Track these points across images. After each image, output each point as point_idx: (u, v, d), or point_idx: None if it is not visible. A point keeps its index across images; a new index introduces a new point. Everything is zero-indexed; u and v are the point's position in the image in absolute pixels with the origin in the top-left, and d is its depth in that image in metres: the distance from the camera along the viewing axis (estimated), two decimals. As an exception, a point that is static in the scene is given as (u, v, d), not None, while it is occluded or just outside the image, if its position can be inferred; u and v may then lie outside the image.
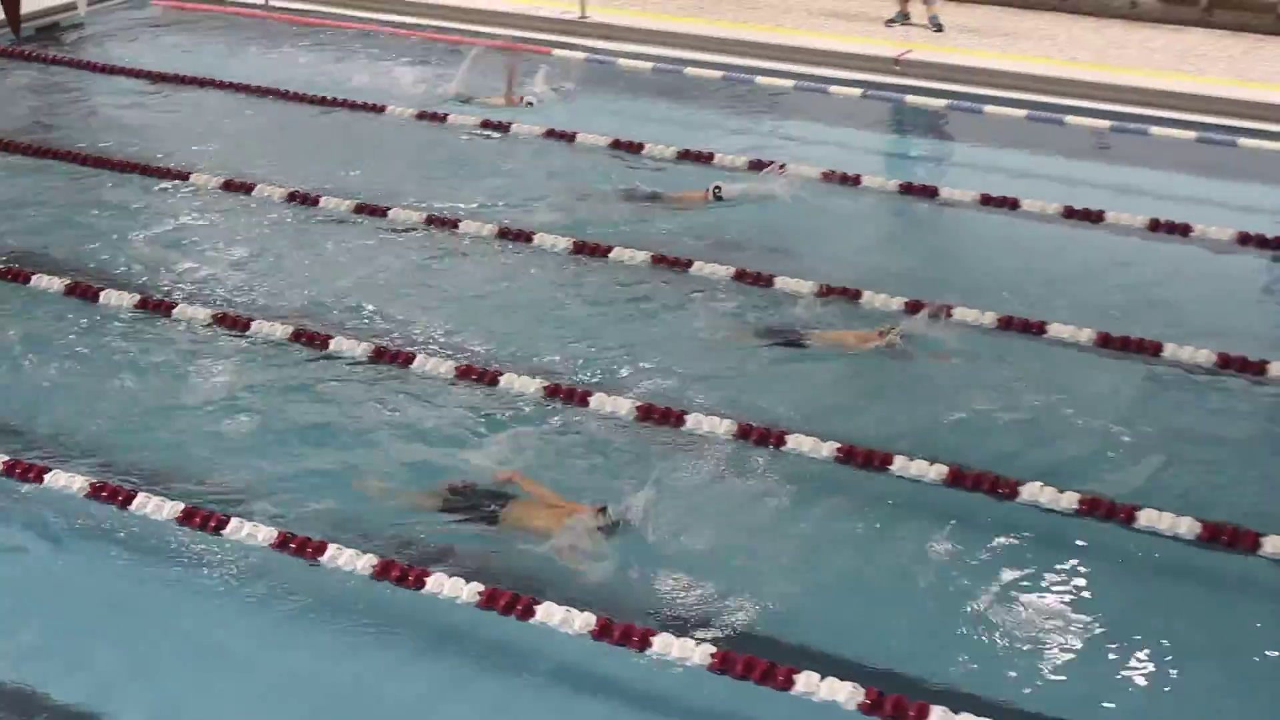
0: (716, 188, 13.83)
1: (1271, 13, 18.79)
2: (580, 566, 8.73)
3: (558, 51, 18.28)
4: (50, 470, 9.44)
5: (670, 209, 13.76)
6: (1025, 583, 8.74)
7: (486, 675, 8.16)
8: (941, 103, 16.84)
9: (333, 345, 11.13)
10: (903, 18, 18.89)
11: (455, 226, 13.25)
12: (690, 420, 10.13)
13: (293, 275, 12.51)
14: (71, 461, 9.66)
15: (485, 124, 15.83)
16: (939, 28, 18.70)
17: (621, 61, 18.10)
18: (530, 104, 16.32)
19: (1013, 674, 8.06)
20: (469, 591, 8.41)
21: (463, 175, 14.70)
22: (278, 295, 12.10)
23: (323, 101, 16.46)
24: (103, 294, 11.80)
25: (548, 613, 8.25)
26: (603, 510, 8.99)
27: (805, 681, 7.70)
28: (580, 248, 12.76)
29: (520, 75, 16.81)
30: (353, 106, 16.34)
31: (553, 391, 10.48)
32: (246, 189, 14.01)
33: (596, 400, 10.36)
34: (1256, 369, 10.81)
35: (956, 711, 7.47)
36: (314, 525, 9.05)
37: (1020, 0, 19.76)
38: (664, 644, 8.01)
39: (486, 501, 9.29)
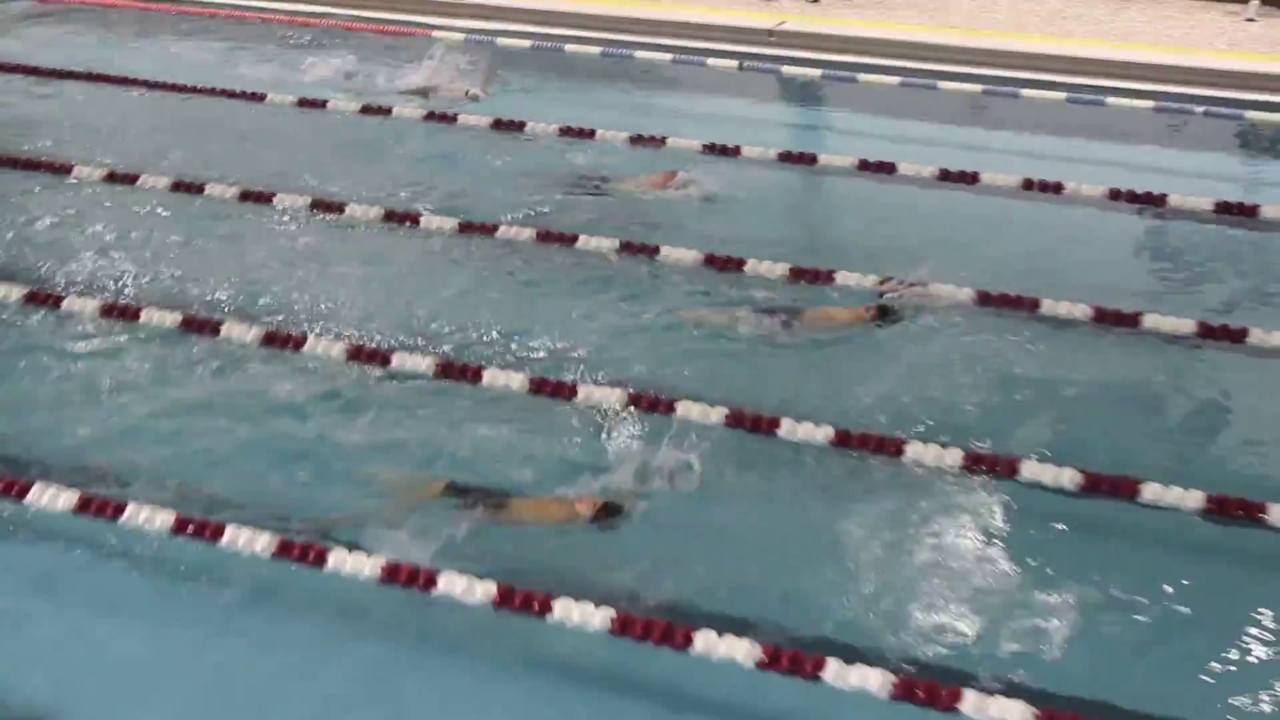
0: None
1: (1135, -26, 19.12)
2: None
3: (438, 33, 18.25)
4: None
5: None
6: (911, 536, 8.84)
7: (506, 674, 7.96)
8: (816, 72, 16.95)
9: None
10: None
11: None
12: (680, 407, 9.94)
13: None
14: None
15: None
16: None
17: (499, 40, 18.09)
18: (475, 97, 16.04)
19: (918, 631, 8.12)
20: (482, 591, 8.11)
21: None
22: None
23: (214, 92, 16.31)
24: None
25: (565, 609, 7.96)
26: (601, 503, 8.90)
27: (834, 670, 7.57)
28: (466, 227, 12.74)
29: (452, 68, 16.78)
30: (240, 96, 16.19)
31: (538, 386, 10.27)
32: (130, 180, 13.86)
33: (584, 391, 10.19)
34: (1131, 321, 10.95)
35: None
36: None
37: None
38: (708, 643, 7.72)
39: (484, 498, 9.05)
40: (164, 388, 10.49)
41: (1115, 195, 13.29)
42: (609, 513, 8.83)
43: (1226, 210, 13.00)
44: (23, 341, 11.08)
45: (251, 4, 19.78)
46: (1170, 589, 8.45)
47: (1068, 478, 9.06)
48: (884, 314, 11.25)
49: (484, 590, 8.01)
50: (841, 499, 9.21)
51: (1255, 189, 13.73)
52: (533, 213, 13.02)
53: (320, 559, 8.28)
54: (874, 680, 7.38)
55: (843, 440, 9.48)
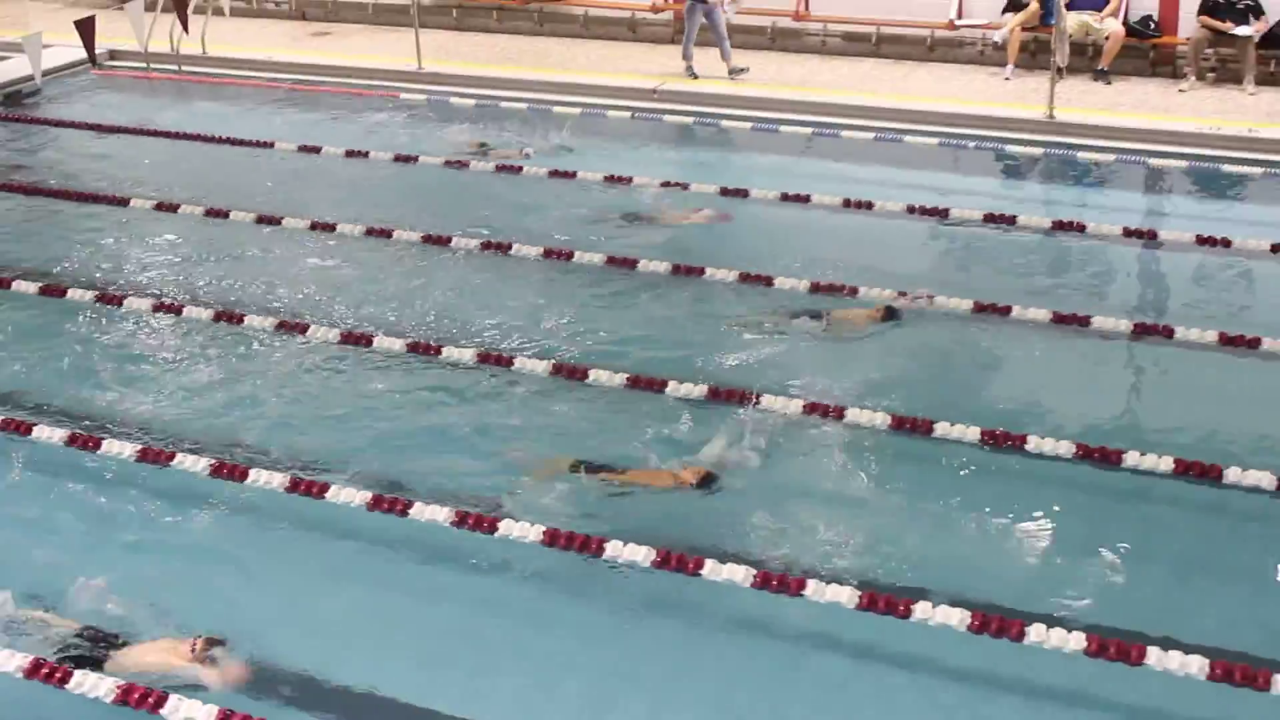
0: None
1: (923, 44, 19.58)
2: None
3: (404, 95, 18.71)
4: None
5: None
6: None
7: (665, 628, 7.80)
8: (689, 120, 17.54)
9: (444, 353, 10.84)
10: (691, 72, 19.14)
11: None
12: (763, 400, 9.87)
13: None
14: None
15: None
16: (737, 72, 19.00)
17: (452, 100, 18.50)
18: (528, 154, 15.90)
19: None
20: (645, 554, 7.97)
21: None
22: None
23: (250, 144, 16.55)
24: (70, 291, 12.00)
25: (713, 569, 7.84)
26: (703, 472, 8.81)
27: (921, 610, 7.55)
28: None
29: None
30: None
31: (633, 382, 10.19)
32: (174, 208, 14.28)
33: (670, 387, 10.12)
34: (928, 300, 11.61)
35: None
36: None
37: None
38: (816, 589, 7.69)
39: (604, 470, 8.91)
40: (347, 391, 10.47)
41: (911, 210, 14.10)
42: (708, 480, 8.76)
43: (993, 219, 13.81)
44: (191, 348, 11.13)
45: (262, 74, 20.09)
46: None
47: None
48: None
49: (645, 553, 7.98)
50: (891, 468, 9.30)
51: (1013, 204, 14.31)
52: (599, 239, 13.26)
53: (493, 527, 8.27)
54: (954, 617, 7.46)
55: (898, 424, 9.62)
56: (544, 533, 8.17)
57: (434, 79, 19.34)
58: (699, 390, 10.04)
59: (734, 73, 18.81)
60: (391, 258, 13.11)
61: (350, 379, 10.70)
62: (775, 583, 7.74)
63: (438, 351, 10.82)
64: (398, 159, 15.92)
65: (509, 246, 12.95)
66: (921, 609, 7.51)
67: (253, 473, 8.95)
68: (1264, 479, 8.80)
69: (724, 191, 14.55)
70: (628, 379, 10.24)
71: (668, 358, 10.77)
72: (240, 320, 11.46)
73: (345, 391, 10.52)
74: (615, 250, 12.80)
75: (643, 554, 7.99)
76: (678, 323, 11.64)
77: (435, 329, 11.38)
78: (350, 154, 16.09)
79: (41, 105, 18.76)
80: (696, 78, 18.84)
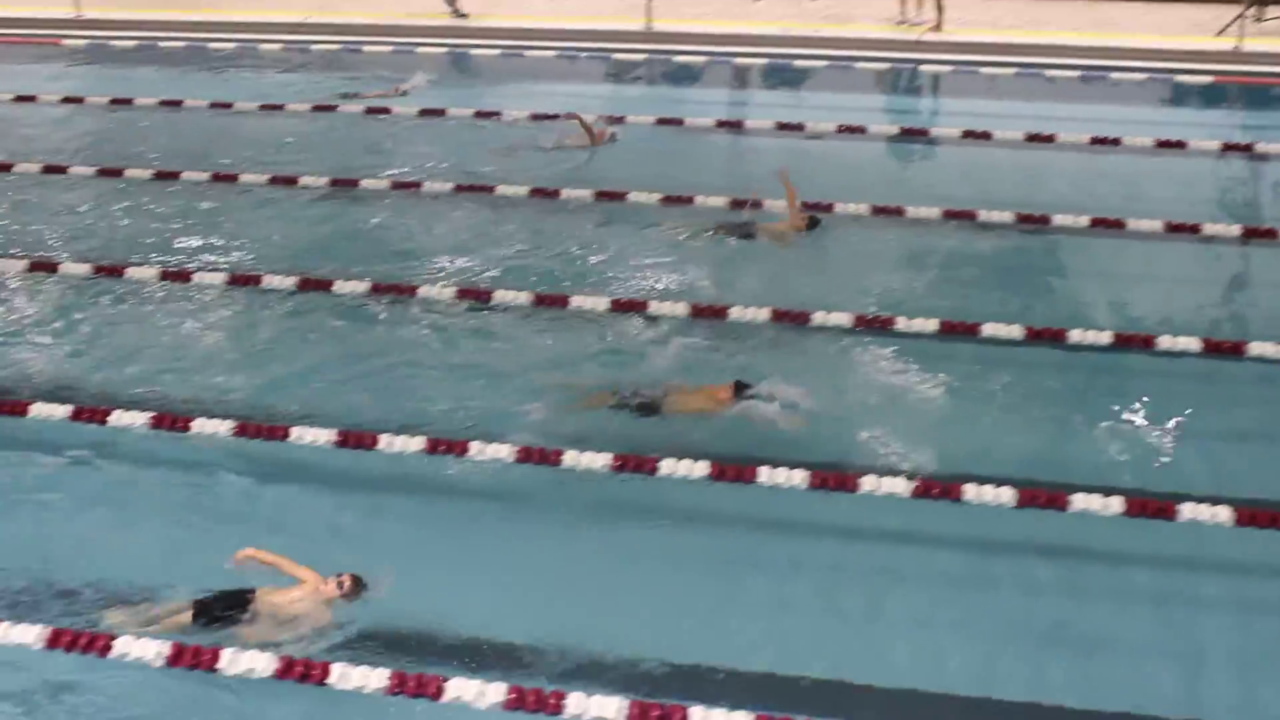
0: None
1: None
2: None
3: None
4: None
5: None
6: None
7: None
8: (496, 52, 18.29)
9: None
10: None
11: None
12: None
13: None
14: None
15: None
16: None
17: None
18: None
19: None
20: (699, 468, 8.21)
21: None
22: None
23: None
24: None
25: (770, 475, 8.11)
26: (742, 386, 8.99)
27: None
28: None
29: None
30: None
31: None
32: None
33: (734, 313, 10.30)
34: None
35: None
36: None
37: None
38: (872, 482, 8.05)
39: (643, 397, 9.04)
40: (438, 347, 10.31)
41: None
42: (740, 390, 8.96)
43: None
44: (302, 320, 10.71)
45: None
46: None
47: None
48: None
49: (700, 468, 8.19)
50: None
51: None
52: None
53: (558, 458, 8.35)
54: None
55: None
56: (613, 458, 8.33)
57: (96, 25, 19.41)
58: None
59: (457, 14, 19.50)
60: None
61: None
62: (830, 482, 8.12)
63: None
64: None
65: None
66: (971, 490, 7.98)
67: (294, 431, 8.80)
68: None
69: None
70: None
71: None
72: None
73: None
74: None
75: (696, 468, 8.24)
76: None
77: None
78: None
79: None
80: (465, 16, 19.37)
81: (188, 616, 7.13)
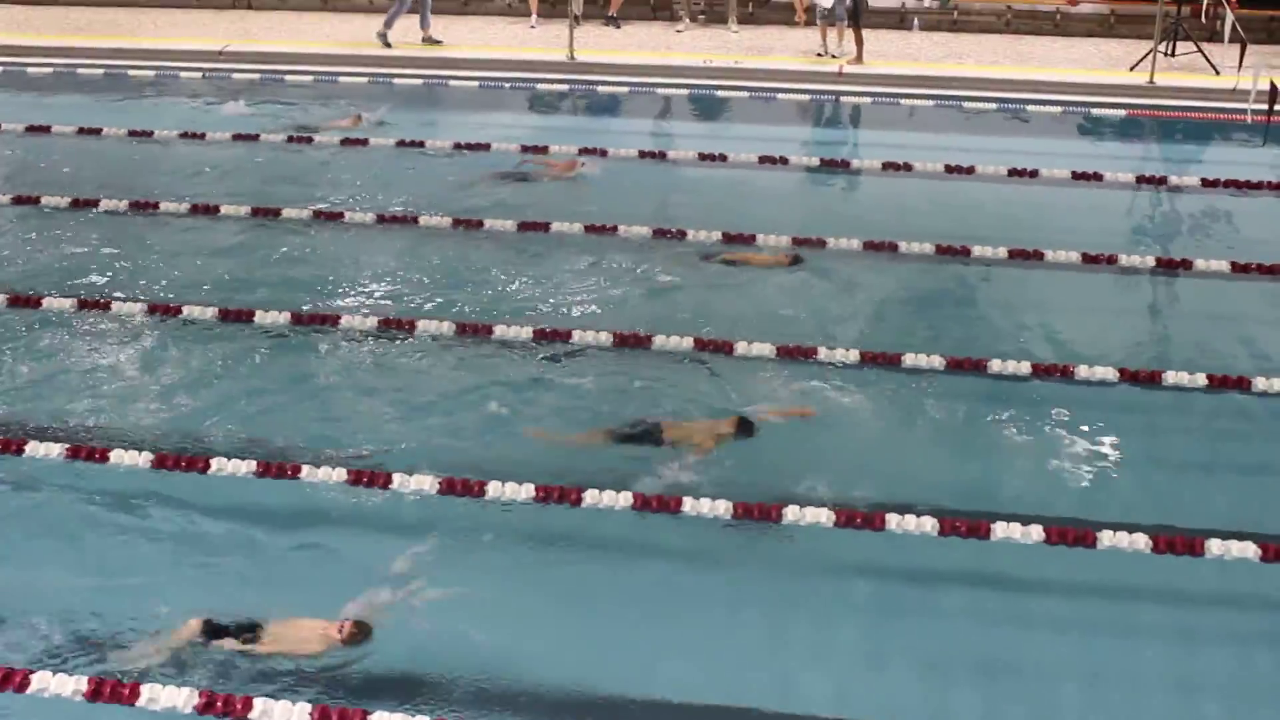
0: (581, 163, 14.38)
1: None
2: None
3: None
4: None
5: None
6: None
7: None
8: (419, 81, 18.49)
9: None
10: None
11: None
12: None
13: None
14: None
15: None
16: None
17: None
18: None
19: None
20: (723, 508, 8.11)
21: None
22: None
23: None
24: None
25: (796, 513, 8.11)
26: (741, 421, 9.07)
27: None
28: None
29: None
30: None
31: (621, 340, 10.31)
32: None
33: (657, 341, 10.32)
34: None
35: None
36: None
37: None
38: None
39: (644, 432, 9.03)
40: (497, 386, 10.08)
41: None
42: (745, 427, 9.05)
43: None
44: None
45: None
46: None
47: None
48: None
49: (724, 507, 8.13)
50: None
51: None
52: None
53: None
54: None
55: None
56: (633, 496, 8.29)
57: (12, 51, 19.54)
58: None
59: (428, 41, 19.65)
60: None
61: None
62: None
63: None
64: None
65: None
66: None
67: (305, 469, 8.62)
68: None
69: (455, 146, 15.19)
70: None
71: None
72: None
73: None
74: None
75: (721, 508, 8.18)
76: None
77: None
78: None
79: None
80: (390, 46, 19.38)
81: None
